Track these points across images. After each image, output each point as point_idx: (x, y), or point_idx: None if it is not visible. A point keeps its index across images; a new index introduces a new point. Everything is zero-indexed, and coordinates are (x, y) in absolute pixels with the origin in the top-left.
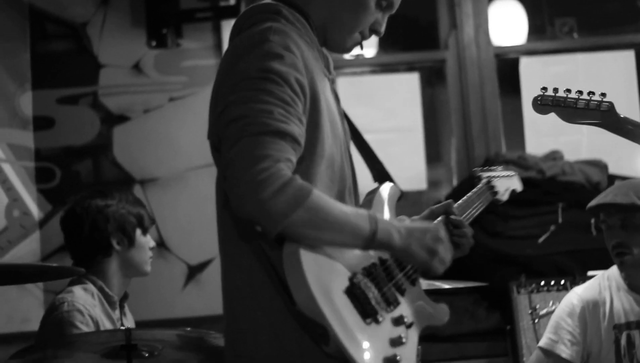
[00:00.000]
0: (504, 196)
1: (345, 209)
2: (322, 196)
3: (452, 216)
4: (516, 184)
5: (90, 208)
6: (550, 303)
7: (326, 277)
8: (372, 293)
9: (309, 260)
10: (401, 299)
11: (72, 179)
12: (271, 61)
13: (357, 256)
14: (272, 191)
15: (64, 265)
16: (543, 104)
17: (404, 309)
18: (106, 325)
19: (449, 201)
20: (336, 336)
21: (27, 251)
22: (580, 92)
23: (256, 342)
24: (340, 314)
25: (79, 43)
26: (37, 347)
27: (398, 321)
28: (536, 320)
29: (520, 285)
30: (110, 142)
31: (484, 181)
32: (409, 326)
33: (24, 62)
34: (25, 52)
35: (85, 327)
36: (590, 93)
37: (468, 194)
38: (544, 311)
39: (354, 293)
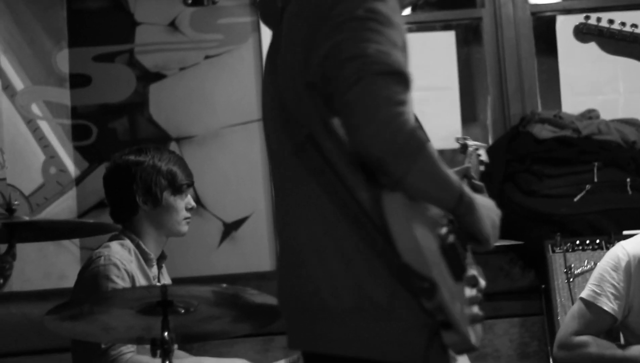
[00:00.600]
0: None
1: (446, 166)
2: (433, 148)
3: (474, 181)
4: (485, 157)
5: (120, 165)
6: (585, 262)
7: (426, 232)
8: (458, 250)
9: (412, 210)
10: (468, 259)
11: (108, 137)
12: (377, 2)
13: (440, 215)
14: (404, 135)
15: (100, 221)
16: (585, 32)
17: (473, 270)
18: (142, 281)
19: (466, 166)
20: (442, 292)
21: (63, 208)
22: (624, 23)
23: (336, 294)
24: (441, 270)
25: (115, 1)
26: (73, 302)
27: (472, 281)
28: (571, 279)
29: (556, 244)
30: (146, 100)
31: (471, 149)
32: (475, 285)
33: (60, 20)
34: (61, 10)
35: (121, 282)
36: (633, 26)
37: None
38: (578, 270)
39: (445, 248)
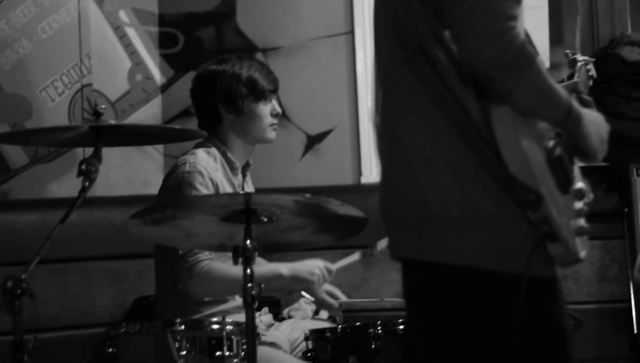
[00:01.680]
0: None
1: (552, 79)
2: (542, 63)
3: (583, 95)
4: (594, 72)
5: (202, 76)
6: None
7: (533, 144)
8: (564, 162)
9: (520, 123)
10: (574, 173)
11: (194, 46)
12: None
13: (547, 128)
14: (514, 50)
15: (186, 128)
16: None
17: (579, 182)
18: (227, 189)
19: (575, 80)
20: (548, 205)
21: (148, 115)
22: None
23: (443, 204)
24: (547, 182)
25: None
26: (156, 207)
27: (578, 194)
28: None
29: None
30: (233, 9)
31: (580, 63)
32: (581, 198)
33: None
34: None
35: (205, 189)
36: None
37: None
38: None
39: (552, 161)
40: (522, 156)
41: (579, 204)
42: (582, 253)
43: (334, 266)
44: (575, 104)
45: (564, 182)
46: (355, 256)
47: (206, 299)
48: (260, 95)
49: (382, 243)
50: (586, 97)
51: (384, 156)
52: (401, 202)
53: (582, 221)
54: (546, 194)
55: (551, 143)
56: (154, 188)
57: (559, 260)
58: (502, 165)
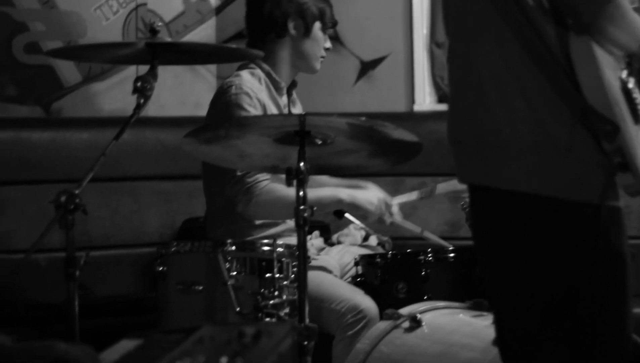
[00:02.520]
0: None
1: (635, 14)
2: None
3: None
4: None
5: None
6: None
7: (609, 73)
8: (637, 93)
9: (598, 54)
10: None
11: None
12: None
13: (620, 58)
14: None
15: (240, 47)
16: None
17: None
18: (272, 110)
19: None
20: (624, 136)
21: (202, 36)
22: None
23: (515, 131)
24: (622, 112)
25: None
26: (211, 126)
27: None
28: None
29: None
30: None
31: None
32: None
33: None
34: None
35: (253, 110)
36: None
37: None
38: None
39: (626, 91)
40: (601, 86)
41: None
42: None
43: (394, 201)
44: None
45: (636, 112)
46: (414, 196)
47: (259, 222)
48: (326, 25)
49: (442, 187)
50: None
51: (455, 81)
52: (472, 128)
53: None
54: (621, 124)
55: (625, 73)
56: (205, 110)
57: (628, 190)
58: (579, 95)
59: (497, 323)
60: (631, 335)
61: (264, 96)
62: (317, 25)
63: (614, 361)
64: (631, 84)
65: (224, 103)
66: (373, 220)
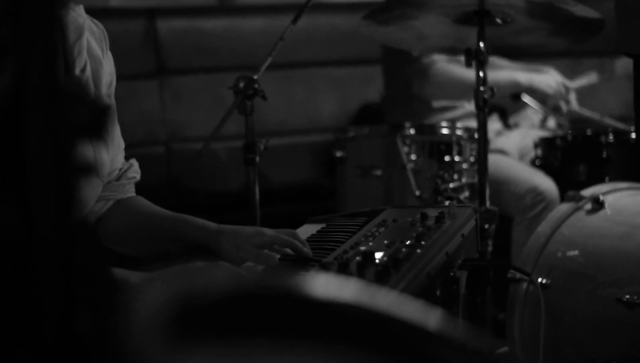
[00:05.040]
0: None
1: None
2: None
3: None
4: None
5: None
6: None
7: None
8: None
9: None
10: None
11: None
12: None
13: None
14: None
15: None
16: None
17: None
18: None
19: None
20: None
21: None
22: None
23: None
24: None
25: None
26: (387, 6)
27: None
28: None
29: None
30: None
31: None
32: None
33: None
34: None
35: None
36: None
37: None
38: None
39: None
40: None
41: None
42: None
43: (572, 85)
44: None
45: None
46: (593, 78)
47: (435, 104)
48: None
49: (621, 66)
50: None
51: None
52: None
53: None
54: None
55: None
56: None
57: None
58: None
59: None
60: None
61: None
62: None
63: None
64: None
65: None
66: (552, 104)
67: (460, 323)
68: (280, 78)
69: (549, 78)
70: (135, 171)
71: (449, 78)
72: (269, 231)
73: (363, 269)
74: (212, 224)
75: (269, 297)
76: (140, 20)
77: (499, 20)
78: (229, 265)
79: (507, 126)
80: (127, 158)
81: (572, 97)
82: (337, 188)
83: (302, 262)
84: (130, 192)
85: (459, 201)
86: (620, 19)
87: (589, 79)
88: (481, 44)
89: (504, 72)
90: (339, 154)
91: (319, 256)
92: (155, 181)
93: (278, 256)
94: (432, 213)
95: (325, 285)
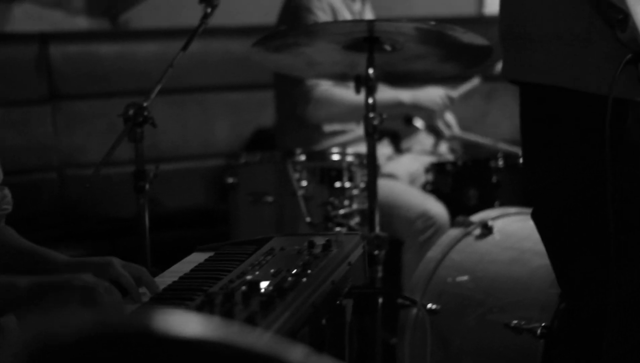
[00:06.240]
0: None
1: None
2: None
3: None
4: None
5: None
6: None
7: None
8: None
9: None
10: None
11: None
12: None
13: None
14: None
15: None
16: None
17: None
18: (345, 15)
19: None
20: (635, 23)
21: None
22: None
23: (540, 23)
24: (637, 2)
25: None
26: (278, 34)
27: None
28: None
29: None
30: None
31: None
32: None
33: None
34: None
35: (322, 13)
36: None
37: None
38: None
39: None
40: None
41: None
42: None
43: (456, 94)
44: None
45: None
46: (475, 81)
47: (326, 128)
48: None
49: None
50: None
51: None
52: (508, 23)
53: None
54: (637, 13)
55: None
56: (274, 18)
57: None
58: None
59: (533, 213)
60: None
61: (337, 1)
62: None
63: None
64: None
65: (294, 6)
66: (438, 118)
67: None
68: (175, 103)
69: (432, 93)
70: (7, 202)
71: (331, 100)
72: (117, 265)
73: (248, 299)
74: (62, 258)
75: (126, 336)
76: (33, 45)
77: (388, 47)
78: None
79: (399, 150)
80: (21, 185)
81: (453, 121)
82: (229, 215)
83: (175, 301)
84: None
85: (350, 227)
86: (505, 47)
87: (472, 83)
88: (370, 71)
89: (388, 93)
90: (230, 180)
91: (206, 286)
92: (49, 207)
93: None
94: (320, 241)
95: (185, 324)
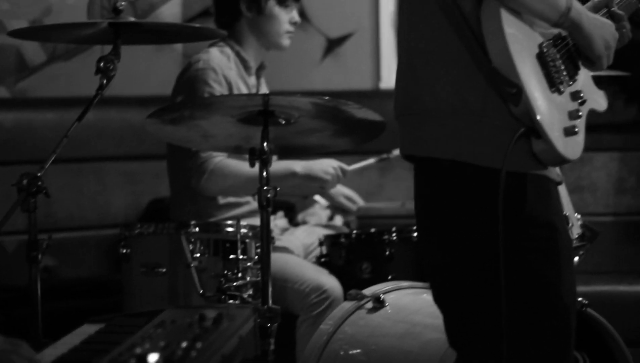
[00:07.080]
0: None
1: None
2: None
3: (614, 9)
4: None
5: None
6: None
7: (521, 38)
8: (558, 63)
9: (508, 19)
10: (577, 76)
11: None
12: None
13: (544, 28)
14: None
15: (205, 26)
16: None
17: (580, 85)
18: (241, 88)
19: None
20: (528, 98)
21: (167, 15)
22: None
23: (435, 97)
24: (531, 77)
25: None
26: (174, 106)
27: (575, 96)
28: None
29: None
30: None
31: None
32: (582, 103)
33: None
34: None
35: (218, 86)
36: None
37: None
38: None
39: (543, 59)
40: (505, 49)
41: (574, 105)
42: (570, 154)
43: (349, 167)
44: (577, 5)
45: (555, 80)
46: (371, 160)
47: (221, 200)
48: (283, 0)
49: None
50: (618, 11)
51: (398, 56)
52: (403, 98)
53: (575, 122)
54: (530, 89)
55: (545, 42)
56: (171, 89)
57: (543, 157)
58: (487, 58)
59: (433, 292)
60: (570, 304)
61: (233, 74)
62: (274, 2)
63: (549, 326)
64: (548, 51)
65: (189, 78)
66: (331, 188)
67: None
68: (71, 172)
69: (325, 164)
70: None
71: (226, 172)
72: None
73: None
74: None
75: None
76: None
77: (282, 121)
78: None
79: (295, 223)
80: None
81: (355, 195)
82: (123, 285)
83: None
84: None
85: (243, 299)
86: (401, 123)
87: (367, 162)
88: (265, 144)
89: (282, 163)
90: (124, 250)
91: (95, 359)
92: None
93: None
94: (211, 314)
95: None
